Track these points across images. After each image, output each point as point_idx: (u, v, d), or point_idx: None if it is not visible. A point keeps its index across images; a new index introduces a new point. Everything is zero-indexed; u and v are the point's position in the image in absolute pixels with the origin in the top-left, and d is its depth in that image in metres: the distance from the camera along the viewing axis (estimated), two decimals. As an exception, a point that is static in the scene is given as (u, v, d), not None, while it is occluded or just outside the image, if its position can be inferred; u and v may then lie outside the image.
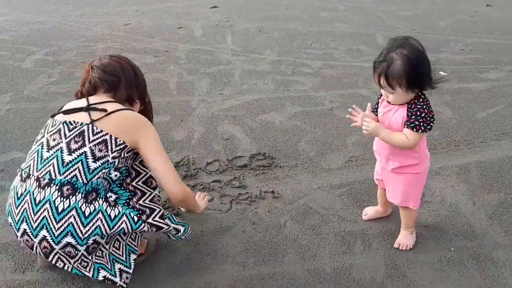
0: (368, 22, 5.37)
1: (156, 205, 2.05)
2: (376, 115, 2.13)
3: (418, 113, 1.93)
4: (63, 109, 2.01)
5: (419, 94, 1.98)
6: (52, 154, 1.87)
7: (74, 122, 1.91)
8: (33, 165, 1.89)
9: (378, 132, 2.04)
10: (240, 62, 4.38)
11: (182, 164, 2.91)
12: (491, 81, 3.87)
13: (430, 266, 2.16)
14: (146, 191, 2.04)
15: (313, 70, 4.18)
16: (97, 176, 1.87)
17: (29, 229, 1.83)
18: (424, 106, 1.94)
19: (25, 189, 1.86)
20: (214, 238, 2.35)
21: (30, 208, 1.83)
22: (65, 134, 1.90)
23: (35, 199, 1.82)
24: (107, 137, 1.90)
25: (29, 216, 1.82)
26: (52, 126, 1.96)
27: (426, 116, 1.93)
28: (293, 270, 2.15)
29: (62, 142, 1.89)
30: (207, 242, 2.32)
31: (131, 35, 5.21)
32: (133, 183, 2.03)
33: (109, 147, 1.89)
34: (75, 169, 1.84)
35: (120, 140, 1.91)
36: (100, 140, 1.89)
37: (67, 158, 1.85)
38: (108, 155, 1.89)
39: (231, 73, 4.15)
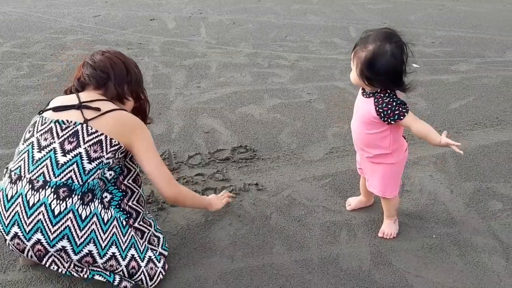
0: (340, 15, 5.43)
1: (140, 207, 2.04)
2: None
3: (389, 106, 1.97)
4: (51, 106, 1.93)
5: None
6: (44, 155, 1.80)
7: (67, 121, 1.84)
8: (24, 166, 1.81)
9: (439, 142, 2.02)
10: (215, 55, 4.35)
11: (163, 158, 2.87)
12: (461, 73, 3.99)
13: (414, 253, 2.22)
14: (134, 189, 2.02)
15: (290, 63, 4.19)
16: (92, 177, 1.82)
17: (22, 232, 1.76)
18: (390, 100, 1.98)
19: (16, 192, 1.78)
20: (201, 231, 2.33)
21: (23, 211, 1.75)
22: (57, 134, 1.83)
23: (28, 202, 1.75)
24: (102, 137, 1.84)
25: (22, 219, 1.75)
26: (42, 125, 1.87)
27: (396, 103, 1.98)
28: (281, 261, 2.17)
29: (54, 142, 1.81)
30: (193, 236, 2.30)
31: (101, 27, 5.08)
32: (125, 182, 1.99)
33: (104, 147, 1.84)
34: (70, 171, 1.78)
35: (115, 141, 1.87)
36: (95, 140, 1.83)
37: (62, 160, 1.79)
38: (103, 155, 1.84)
39: (207, 66, 4.12)
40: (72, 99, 1.92)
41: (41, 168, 1.78)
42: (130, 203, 2.00)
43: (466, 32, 4.98)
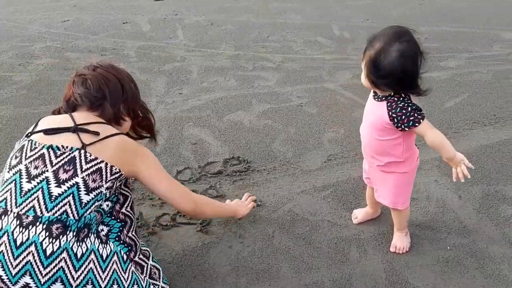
0: (321, 13, 5.28)
1: (138, 238, 1.82)
2: None
3: (404, 111, 1.81)
4: (41, 128, 1.68)
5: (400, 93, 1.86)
6: (35, 186, 1.56)
7: (63, 146, 1.61)
8: (11, 198, 1.55)
9: (451, 159, 1.88)
10: (196, 58, 4.12)
11: (150, 174, 2.64)
12: (452, 70, 3.89)
13: (430, 268, 2.07)
14: (133, 218, 1.80)
15: (275, 64, 4.01)
16: (89, 211, 1.59)
17: (7, 276, 1.50)
18: (405, 104, 1.81)
19: (1, 228, 1.52)
20: (199, 257, 2.13)
21: (9, 252, 1.50)
22: (51, 161, 1.58)
23: (15, 241, 1.50)
24: (102, 165, 1.62)
25: (7, 261, 1.49)
26: (31, 150, 1.62)
27: (411, 108, 1.82)
28: (290, 286, 1.98)
29: (47, 171, 1.57)
30: (191, 263, 2.09)
31: (72, 33, 4.78)
32: (123, 210, 1.76)
33: (104, 176, 1.62)
34: (66, 204, 1.54)
35: (116, 168, 1.65)
36: (94, 168, 1.60)
37: (56, 191, 1.55)
38: (102, 185, 1.62)
39: (188, 70, 3.89)
40: (65, 121, 1.68)
41: (32, 201, 1.54)
42: (130, 234, 1.77)
43: (451, 26, 4.90)
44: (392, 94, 1.86)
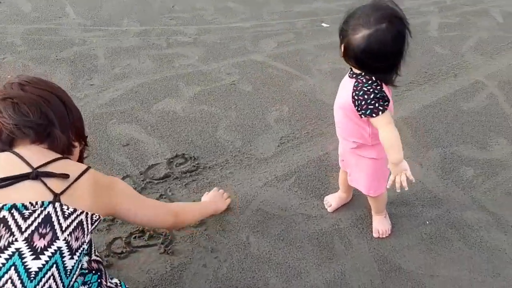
0: (223, -25, 4.89)
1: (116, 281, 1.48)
2: None
3: (365, 96, 1.62)
4: None
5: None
6: (4, 264, 1.12)
7: (31, 204, 1.17)
8: None
9: (394, 165, 1.71)
10: (98, 39, 3.56)
11: (83, 192, 2.20)
12: (371, 28, 3.83)
13: (417, 248, 2.00)
14: (102, 261, 1.44)
15: (191, 38, 3.61)
16: (75, 277, 1.23)
17: None
18: (370, 89, 1.62)
19: None
20: (171, 285, 1.82)
21: None
22: (18, 227, 1.15)
23: None
24: (83, 216, 1.24)
25: None
26: None
27: (375, 96, 1.62)
28: (285, 299, 1.78)
29: (17, 240, 1.14)
30: (165, 295, 1.78)
31: None
32: (93, 257, 1.38)
33: (86, 230, 1.25)
34: (49, 278, 1.15)
35: (96, 216, 1.29)
36: (75, 224, 1.22)
37: (34, 265, 1.14)
38: (85, 241, 1.25)
39: (93, 55, 3.35)
40: (14, 163, 1.24)
41: (4, 285, 1.12)
42: (108, 282, 1.42)
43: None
44: (363, 73, 1.66)
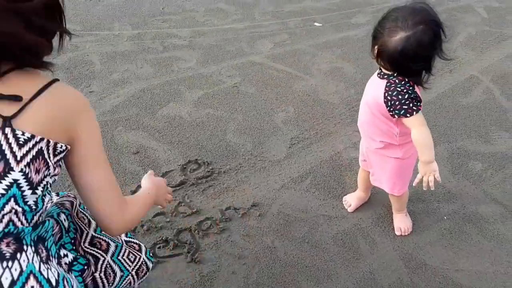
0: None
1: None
2: None
3: (399, 97, 1.66)
4: None
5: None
6: None
7: None
8: None
9: (425, 164, 1.76)
10: (91, 44, 3.48)
11: (99, 203, 2.15)
12: (364, 26, 3.87)
13: (439, 244, 2.04)
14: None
15: (186, 41, 3.57)
16: (41, 214, 1.10)
17: None
18: (404, 90, 1.66)
19: None
20: (205, 295, 1.80)
21: None
22: None
23: None
24: (43, 144, 1.03)
25: None
26: None
27: (409, 96, 1.66)
28: (318, 301, 1.79)
29: None
30: (199, 305, 1.76)
31: None
32: (85, 245, 1.33)
33: (48, 160, 1.06)
34: (9, 212, 1.02)
35: (61, 145, 1.07)
36: (33, 153, 1.03)
37: None
38: (49, 174, 1.08)
39: (88, 61, 3.27)
40: None
41: None
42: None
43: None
44: (395, 74, 1.69)
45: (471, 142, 2.62)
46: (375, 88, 1.74)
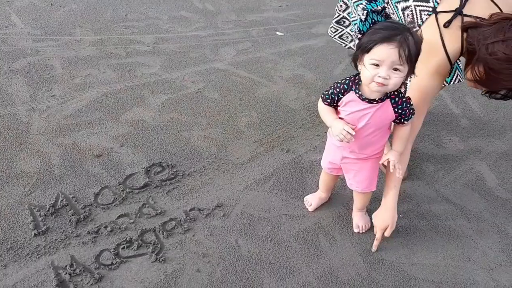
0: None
1: None
2: (334, 107, 1.86)
3: (408, 103, 1.78)
4: None
5: None
6: None
7: None
8: None
9: (399, 154, 1.89)
10: (52, 49, 3.44)
11: (61, 206, 2.14)
12: (323, 36, 4.00)
13: (395, 240, 2.14)
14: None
15: (149, 47, 3.59)
16: None
17: None
18: (404, 99, 1.78)
19: None
20: (170, 293, 1.82)
21: None
22: None
23: None
24: None
25: None
26: None
27: (411, 102, 1.81)
28: (281, 297, 1.84)
29: None
30: (164, 303, 1.78)
31: None
32: None
33: None
34: None
35: None
36: None
37: None
38: None
39: (49, 66, 3.23)
40: None
41: None
42: None
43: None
44: (389, 94, 1.76)
45: (424, 146, 2.76)
46: (378, 112, 1.77)
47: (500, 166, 2.67)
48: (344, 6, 2.60)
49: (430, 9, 1.98)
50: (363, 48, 1.63)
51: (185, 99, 3.00)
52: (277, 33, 4.02)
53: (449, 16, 1.91)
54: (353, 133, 1.77)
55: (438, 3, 1.97)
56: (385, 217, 2.02)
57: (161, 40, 3.73)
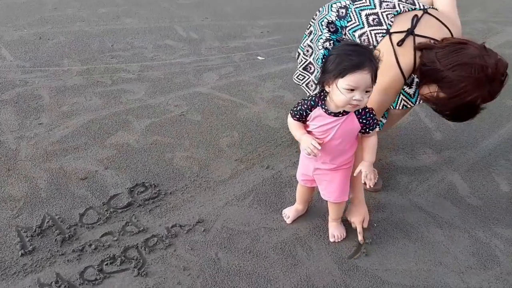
0: (158, 15, 5.07)
1: None
2: (303, 122, 1.98)
3: (371, 114, 1.92)
4: None
5: None
6: None
7: None
8: None
9: (371, 165, 2.03)
10: (40, 80, 3.57)
11: (47, 227, 2.22)
12: (303, 59, 4.16)
13: (370, 248, 2.23)
14: None
15: (134, 75, 3.73)
16: None
17: None
18: (368, 109, 1.92)
19: None
20: (151, 305, 1.89)
21: None
22: None
23: None
24: None
25: None
26: None
27: (374, 114, 1.94)
28: (259, 305, 1.91)
29: None
30: (145, 314, 1.85)
31: None
32: None
33: None
34: None
35: None
36: None
37: None
38: None
39: (37, 95, 3.35)
40: None
41: None
42: None
43: (283, 18, 5.22)
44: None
45: (398, 159, 2.88)
46: (343, 123, 1.89)
47: (472, 175, 2.78)
48: (310, 51, 2.61)
49: (384, 31, 2.13)
50: (336, 74, 1.75)
51: (168, 122, 3.12)
52: (258, 57, 4.18)
53: (402, 35, 2.06)
54: (319, 147, 1.88)
55: (391, 25, 2.13)
56: (360, 211, 2.18)
57: (146, 67, 3.87)
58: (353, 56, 1.75)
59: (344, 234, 2.28)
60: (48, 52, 4.06)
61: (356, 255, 2.18)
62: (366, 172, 2.00)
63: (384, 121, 2.49)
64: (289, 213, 2.36)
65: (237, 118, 3.21)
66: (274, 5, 5.69)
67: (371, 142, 1.99)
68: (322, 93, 1.91)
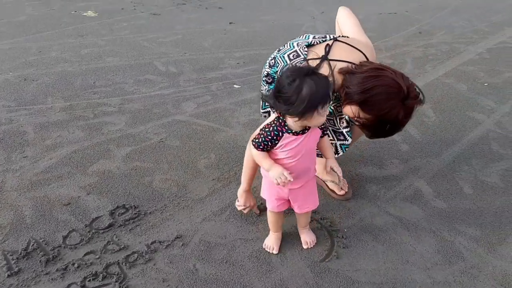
0: (138, 53, 5.29)
1: None
2: (267, 151, 2.07)
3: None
4: None
5: None
6: None
7: None
8: None
9: (334, 160, 2.21)
10: (24, 117, 3.72)
11: (32, 249, 2.32)
12: (277, 85, 4.37)
13: (341, 251, 2.35)
14: None
15: (115, 108, 3.89)
16: None
17: None
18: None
19: None
20: (132, 314, 1.98)
21: None
22: None
23: None
24: None
25: None
26: None
27: None
28: (235, 308, 2.01)
29: None
30: (126, 323, 1.94)
31: None
32: None
33: None
34: None
35: None
36: None
37: None
38: None
39: (22, 132, 3.49)
40: None
41: None
42: None
43: (258, 49, 5.48)
44: None
45: (367, 170, 3.04)
46: (310, 136, 2.03)
47: (437, 181, 2.94)
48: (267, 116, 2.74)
49: (302, 59, 2.35)
50: (299, 114, 1.85)
51: (148, 149, 3.26)
52: (235, 85, 4.39)
53: (317, 61, 2.28)
54: (291, 179, 1.98)
55: (306, 54, 2.38)
56: (335, 164, 2.19)
57: (127, 100, 4.04)
58: (316, 94, 1.80)
59: (315, 239, 2.40)
60: (33, 91, 4.22)
61: (327, 258, 2.30)
62: (336, 165, 2.17)
63: (349, 140, 2.59)
64: (273, 244, 2.36)
65: (214, 141, 3.37)
66: (250, 38, 5.96)
67: (326, 141, 2.20)
68: (279, 120, 1.98)
